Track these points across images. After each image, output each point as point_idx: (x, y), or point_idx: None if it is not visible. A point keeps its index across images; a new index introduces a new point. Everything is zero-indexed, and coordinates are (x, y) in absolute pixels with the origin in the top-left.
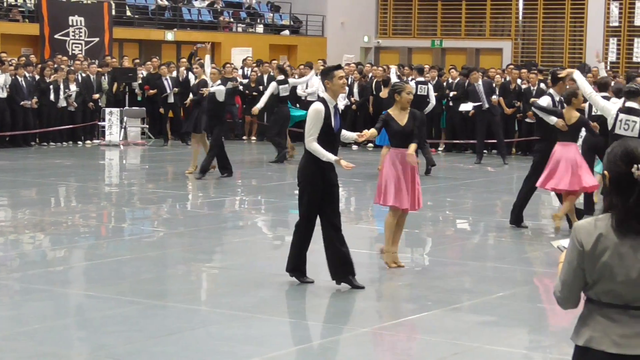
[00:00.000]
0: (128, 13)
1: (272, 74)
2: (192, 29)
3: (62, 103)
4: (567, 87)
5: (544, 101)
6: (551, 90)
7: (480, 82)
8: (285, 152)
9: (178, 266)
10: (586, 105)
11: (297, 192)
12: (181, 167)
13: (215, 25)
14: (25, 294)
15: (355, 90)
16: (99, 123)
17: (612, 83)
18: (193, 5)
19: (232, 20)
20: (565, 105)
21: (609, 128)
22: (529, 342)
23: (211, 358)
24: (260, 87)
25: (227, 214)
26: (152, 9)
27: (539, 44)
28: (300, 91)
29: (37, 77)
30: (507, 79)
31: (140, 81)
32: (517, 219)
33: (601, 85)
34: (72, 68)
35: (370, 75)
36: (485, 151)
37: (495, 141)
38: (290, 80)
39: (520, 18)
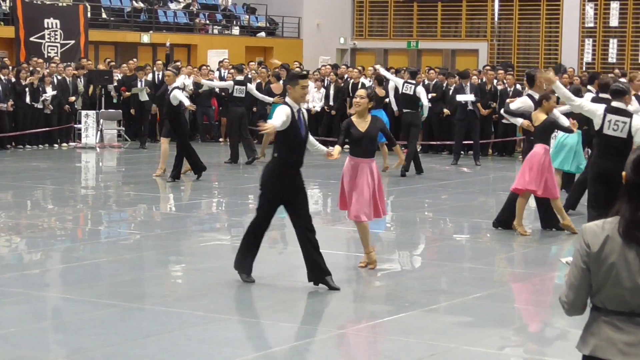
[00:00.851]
0: (104, 15)
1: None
2: (167, 31)
3: (41, 105)
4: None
5: (519, 103)
6: (530, 92)
7: (469, 83)
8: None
9: (155, 268)
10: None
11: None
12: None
13: (191, 27)
14: (2, 297)
15: (332, 92)
16: (75, 126)
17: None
18: (169, 7)
19: (207, 22)
20: (536, 106)
21: (596, 128)
22: (505, 343)
23: None
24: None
25: (203, 216)
26: (127, 11)
27: (515, 44)
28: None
29: (13, 79)
30: (483, 80)
31: (116, 83)
32: (551, 220)
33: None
34: (48, 70)
35: (346, 77)
36: (461, 152)
37: (471, 142)
38: (250, 86)
39: (496, 19)
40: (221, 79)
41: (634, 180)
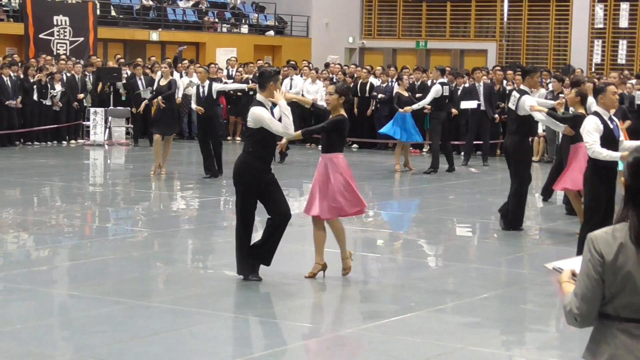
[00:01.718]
0: (113, 13)
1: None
2: (176, 29)
3: (49, 102)
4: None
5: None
6: (523, 87)
7: (482, 82)
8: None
9: (162, 266)
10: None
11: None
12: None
13: (199, 25)
14: (9, 294)
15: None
16: (84, 123)
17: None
18: (178, 5)
19: (216, 20)
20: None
21: None
22: (512, 344)
23: (195, 358)
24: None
25: (211, 215)
26: (136, 9)
27: (524, 45)
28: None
29: (22, 76)
30: (492, 80)
31: (124, 81)
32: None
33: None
34: (57, 67)
35: (354, 76)
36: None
37: (481, 142)
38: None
39: (505, 19)
40: (229, 77)
41: (634, 185)
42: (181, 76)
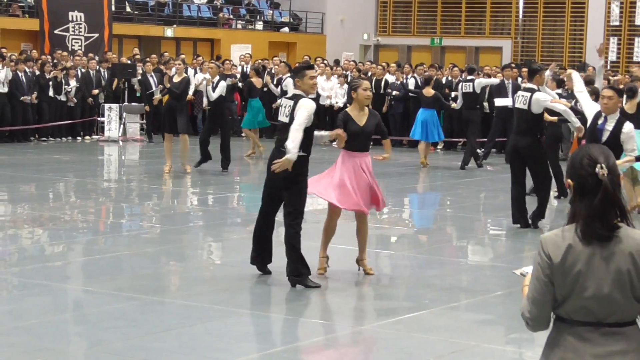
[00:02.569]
0: (128, 9)
1: (273, 70)
2: (191, 25)
3: (64, 97)
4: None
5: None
6: (530, 85)
7: (510, 80)
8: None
9: (176, 262)
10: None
11: None
12: (179, 164)
13: (214, 21)
14: (23, 289)
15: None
16: (98, 119)
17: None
18: (192, 1)
19: (231, 17)
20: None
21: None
22: (525, 341)
23: (209, 354)
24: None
25: (225, 211)
26: (151, 5)
27: (539, 42)
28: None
29: (37, 72)
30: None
31: (139, 77)
32: None
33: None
34: (73, 63)
35: (369, 73)
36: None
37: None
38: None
39: (521, 16)
40: (243, 74)
41: (589, 173)
42: (195, 72)
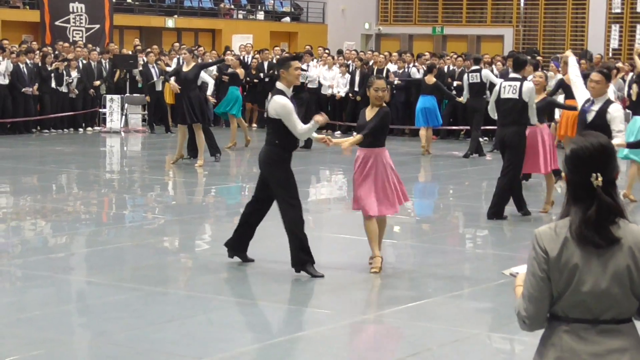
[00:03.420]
0: (128, 0)
1: (273, 61)
2: (192, 15)
3: (65, 89)
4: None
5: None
6: (516, 75)
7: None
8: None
9: (179, 253)
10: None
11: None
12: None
13: (215, 12)
14: (27, 281)
15: (357, 78)
16: (100, 110)
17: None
18: None
19: (232, 7)
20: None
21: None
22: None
23: (212, 344)
24: (261, 74)
25: (228, 201)
26: None
27: (541, 30)
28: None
29: (39, 64)
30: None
31: (141, 68)
32: None
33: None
34: (74, 54)
35: (371, 62)
36: (486, 139)
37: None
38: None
39: (522, 5)
40: (244, 64)
41: (574, 179)
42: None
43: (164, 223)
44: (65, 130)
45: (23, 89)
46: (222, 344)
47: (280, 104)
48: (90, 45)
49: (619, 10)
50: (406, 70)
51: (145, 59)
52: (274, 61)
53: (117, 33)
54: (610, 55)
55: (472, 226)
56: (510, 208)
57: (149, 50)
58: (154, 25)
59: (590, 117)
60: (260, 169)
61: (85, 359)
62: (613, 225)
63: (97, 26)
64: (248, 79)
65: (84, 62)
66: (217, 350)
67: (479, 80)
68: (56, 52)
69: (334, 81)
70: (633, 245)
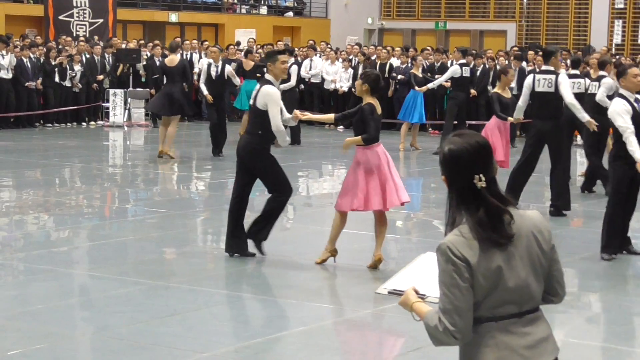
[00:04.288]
0: None
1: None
2: (196, 10)
3: (68, 83)
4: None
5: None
6: (548, 67)
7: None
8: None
9: (181, 247)
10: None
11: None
12: (185, 149)
13: (218, 6)
14: (30, 274)
15: (360, 72)
16: (103, 104)
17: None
18: None
19: (235, 1)
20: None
21: None
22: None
23: (214, 339)
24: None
25: (229, 196)
26: None
27: (544, 26)
28: (303, 72)
29: (42, 58)
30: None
31: (144, 62)
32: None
33: (600, 64)
34: (77, 49)
35: (374, 57)
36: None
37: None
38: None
39: (525, 0)
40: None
41: (457, 182)
42: (200, 57)
43: (166, 217)
44: (68, 124)
45: (26, 83)
46: (225, 338)
47: (267, 93)
48: (96, 37)
49: (622, 6)
50: (409, 65)
51: (148, 53)
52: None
53: (120, 27)
54: (614, 50)
55: None
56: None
57: (156, 43)
58: (157, 19)
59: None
60: (241, 159)
61: (87, 353)
62: (507, 221)
63: (101, 20)
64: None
65: (87, 56)
66: (219, 344)
67: (467, 75)
68: (59, 47)
69: (336, 76)
70: (534, 229)
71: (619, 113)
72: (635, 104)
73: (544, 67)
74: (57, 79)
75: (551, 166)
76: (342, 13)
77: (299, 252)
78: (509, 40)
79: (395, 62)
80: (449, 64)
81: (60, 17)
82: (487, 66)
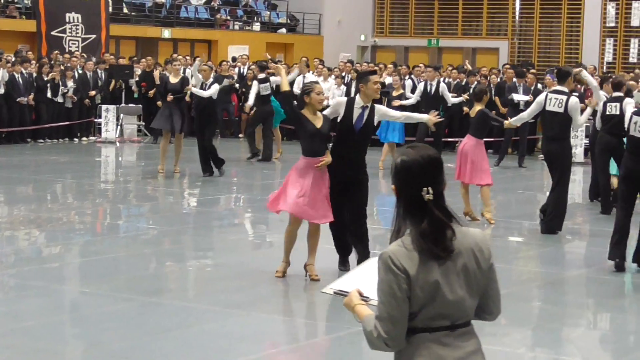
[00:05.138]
0: (125, 10)
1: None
2: (189, 26)
3: (60, 99)
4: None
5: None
6: (561, 88)
7: (523, 82)
8: (258, 151)
9: (173, 263)
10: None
11: None
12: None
13: (212, 23)
14: (21, 291)
15: (353, 88)
16: (95, 120)
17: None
18: (190, 2)
19: (229, 18)
20: (475, 101)
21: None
22: (524, 342)
23: (207, 355)
24: None
25: (222, 212)
26: (149, 6)
27: (536, 43)
28: (296, 88)
29: (35, 74)
30: (503, 78)
31: (137, 78)
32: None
33: (615, 85)
34: (70, 65)
35: None
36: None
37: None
38: (272, 78)
39: (517, 17)
40: (240, 75)
41: (406, 192)
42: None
43: (158, 233)
44: (60, 140)
45: (18, 99)
46: (218, 354)
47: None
48: (85, 55)
49: (613, 24)
50: (402, 82)
51: (139, 70)
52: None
53: (113, 43)
54: (605, 68)
55: None
56: (505, 221)
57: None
58: (150, 35)
59: None
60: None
61: None
62: (449, 236)
63: (94, 36)
64: (244, 89)
65: (80, 72)
66: None
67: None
68: (52, 62)
69: (329, 92)
70: (474, 247)
71: None
72: None
73: (557, 87)
74: (49, 94)
75: (553, 184)
76: (335, 30)
77: (293, 269)
78: (502, 57)
79: (387, 79)
80: (442, 81)
81: (53, 33)
82: (480, 84)
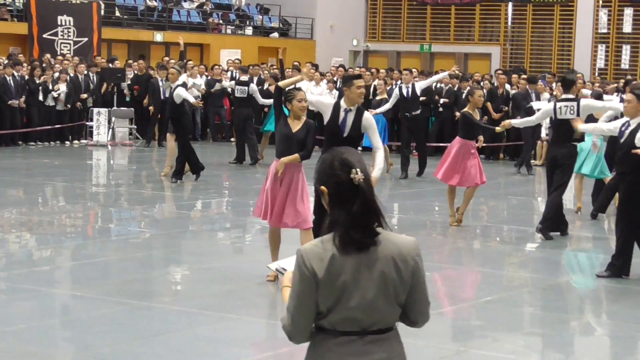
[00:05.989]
0: (117, 13)
1: (262, 76)
2: (181, 30)
3: (51, 102)
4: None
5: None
6: (568, 96)
7: (534, 90)
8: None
9: (164, 267)
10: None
11: None
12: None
13: (204, 27)
14: (11, 294)
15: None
16: (87, 123)
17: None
18: (182, 6)
19: (221, 22)
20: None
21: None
22: (514, 347)
23: (197, 359)
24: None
25: (214, 215)
26: (141, 10)
27: (528, 49)
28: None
29: (26, 76)
30: (495, 84)
31: (129, 82)
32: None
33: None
34: (62, 68)
35: None
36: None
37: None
38: (252, 86)
39: (510, 23)
40: (233, 79)
41: (344, 179)
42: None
43: (149, 237)
44: (51, 143)
45: (9, 102)
46: (208, 358)
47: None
48: (76, 58)
49: (605, 30)
50: (393, 87)
51: (131, 73)
52: (262, 77)
53: (105, 46)
54: (597, 74)
55: (458, 243)
56: (495, 227)
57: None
58: (142, 39)
59: (623, 138)
60: None
61: None
62: (375, 227)
63: (85, 39)
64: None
65: (71, 75)
66: None
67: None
68: (44, 65)
69: (321, 97)
70: (396, 256)
71: None
72: None
73: (564, 96)
74: (41, 97)
75: (552, 187)
76: (328, 34)
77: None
78: (494, 63)
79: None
80: (434, 87)
81: (45, 36)
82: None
